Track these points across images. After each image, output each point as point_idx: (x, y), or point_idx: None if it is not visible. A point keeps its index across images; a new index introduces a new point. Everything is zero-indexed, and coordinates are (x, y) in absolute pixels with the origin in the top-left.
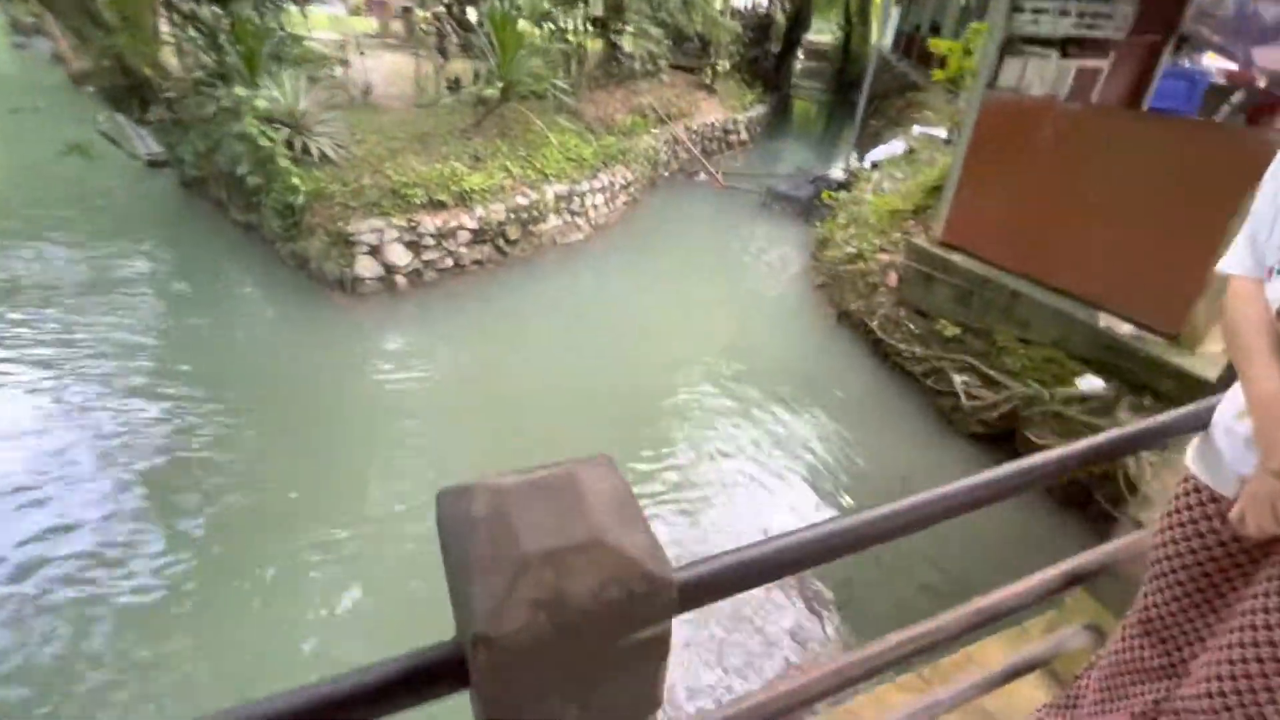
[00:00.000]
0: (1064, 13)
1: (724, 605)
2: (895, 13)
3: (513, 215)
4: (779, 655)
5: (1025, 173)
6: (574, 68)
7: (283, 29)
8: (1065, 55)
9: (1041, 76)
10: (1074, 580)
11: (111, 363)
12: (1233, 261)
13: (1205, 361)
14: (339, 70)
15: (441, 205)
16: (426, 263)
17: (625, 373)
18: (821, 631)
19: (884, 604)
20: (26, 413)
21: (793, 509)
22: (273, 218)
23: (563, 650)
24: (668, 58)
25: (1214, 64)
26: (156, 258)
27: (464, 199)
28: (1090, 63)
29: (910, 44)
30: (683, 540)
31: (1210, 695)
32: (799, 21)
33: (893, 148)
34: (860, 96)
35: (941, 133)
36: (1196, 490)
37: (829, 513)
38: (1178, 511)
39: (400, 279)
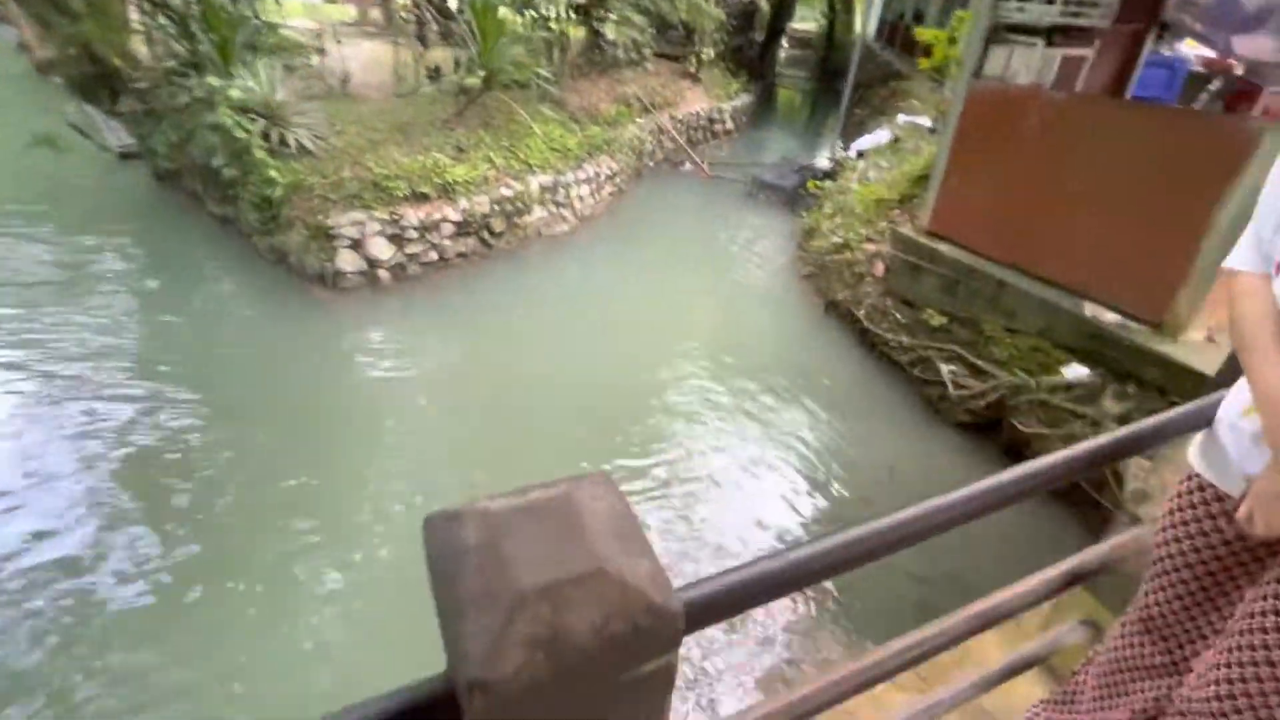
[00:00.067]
0: (1050, 0)
1: None
2: (879, 0)
3: (497, 207)
4: (774, 652)
5: (1011, 162)
6: (557, 56)
7: (257, 16)
8: (1051, 44)
9: (1027, 65)
10: (1074, 580)
11: (85, 364)
12: (1238, 258)
13: (1188, 349)
14: (316, 59)
15: (424, 197)
16: (410, 256)
17: (613, 365)
18: (812, 619)
19: (876, 594)
20: None
21: (784, 499)
22: (250, 211)
23: (563, 690)
24: (652, 46)
25: (1192, 51)
26: (131, 253)
27: (447, 191)
28: (1075, 51)
29: (894, 32)
30: (676, 534)
31: (1219, 699)
32: (783, 9)
33: (878, 137)
34: (845, 85)
35: (926, 121)
36: (1201, 489)
37: (820, 503)
38: (1181, 510)
39: (383, 273)
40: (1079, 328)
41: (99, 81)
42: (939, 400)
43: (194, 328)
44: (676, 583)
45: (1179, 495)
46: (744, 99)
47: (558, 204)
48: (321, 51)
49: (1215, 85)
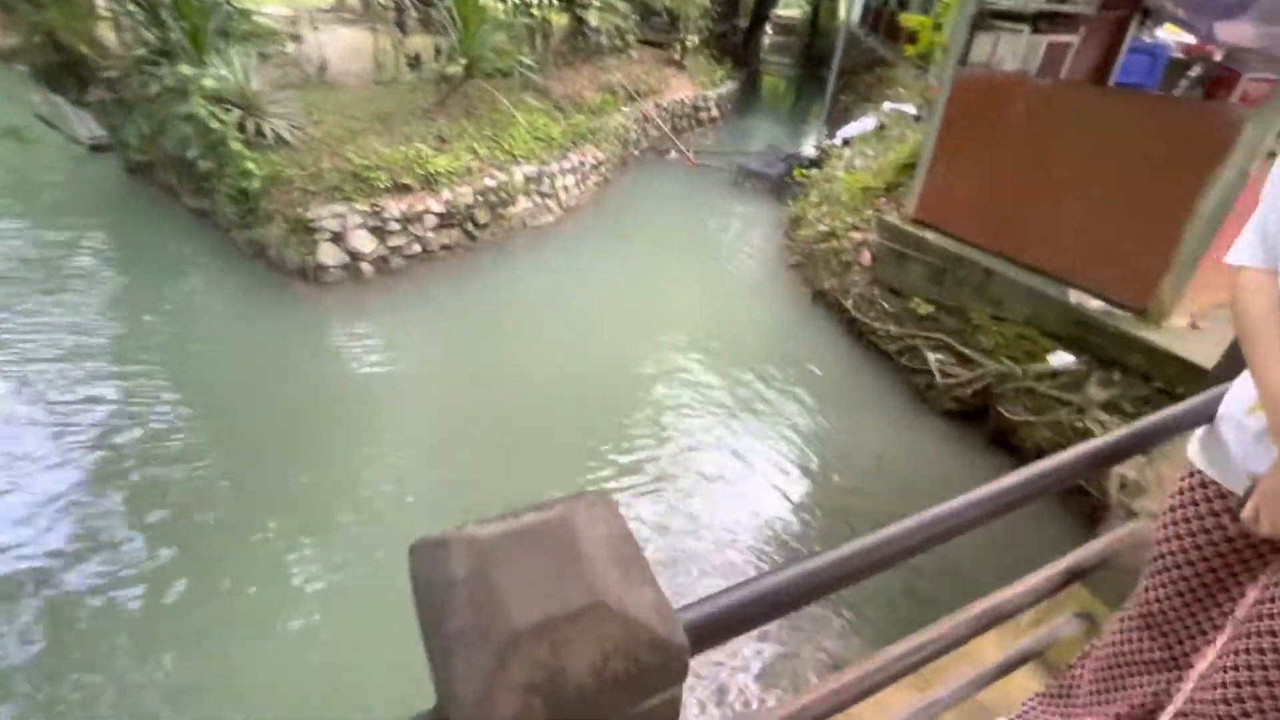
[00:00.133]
0: None
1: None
2: None
3: (481, 198)
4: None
5: (997, 150)
6: (539, 44)
7: (229, 3)
8: (1036, 30)
9: (1013, 52)
10: (1074, 577)
11: (58, 365)
12: (1243, 253)
13: (1171, 335)
14: (291, 47)
15: (406, 189)
16: (393, 249)
17: (601, 356)
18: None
19: (866, 581)
20: None
21: (774, 488)
22: (227, 204)
23: None
24: (635, 33)
25: (1172, 37)
26: (104, 248)
27: (429, 182)
28: (1060, 38)
29: (878, 18)
30: (669, 530)
31: (1227, 701)
32: None
33: (863, 124)
34: (829, 72)
35: (911, 109)
36: (1203, 485)
37: (810, 493)
38: (1183, 507)
39: (366, 266)
40: (1065, 315)
41: (66, 70)
42: (926, 389)
43: (171, 325)
44: (671, 582)
45: (1180, 492)
46: (729, 86)
47: (543, 194)
48: (297, 39)
49: (1195, 71)
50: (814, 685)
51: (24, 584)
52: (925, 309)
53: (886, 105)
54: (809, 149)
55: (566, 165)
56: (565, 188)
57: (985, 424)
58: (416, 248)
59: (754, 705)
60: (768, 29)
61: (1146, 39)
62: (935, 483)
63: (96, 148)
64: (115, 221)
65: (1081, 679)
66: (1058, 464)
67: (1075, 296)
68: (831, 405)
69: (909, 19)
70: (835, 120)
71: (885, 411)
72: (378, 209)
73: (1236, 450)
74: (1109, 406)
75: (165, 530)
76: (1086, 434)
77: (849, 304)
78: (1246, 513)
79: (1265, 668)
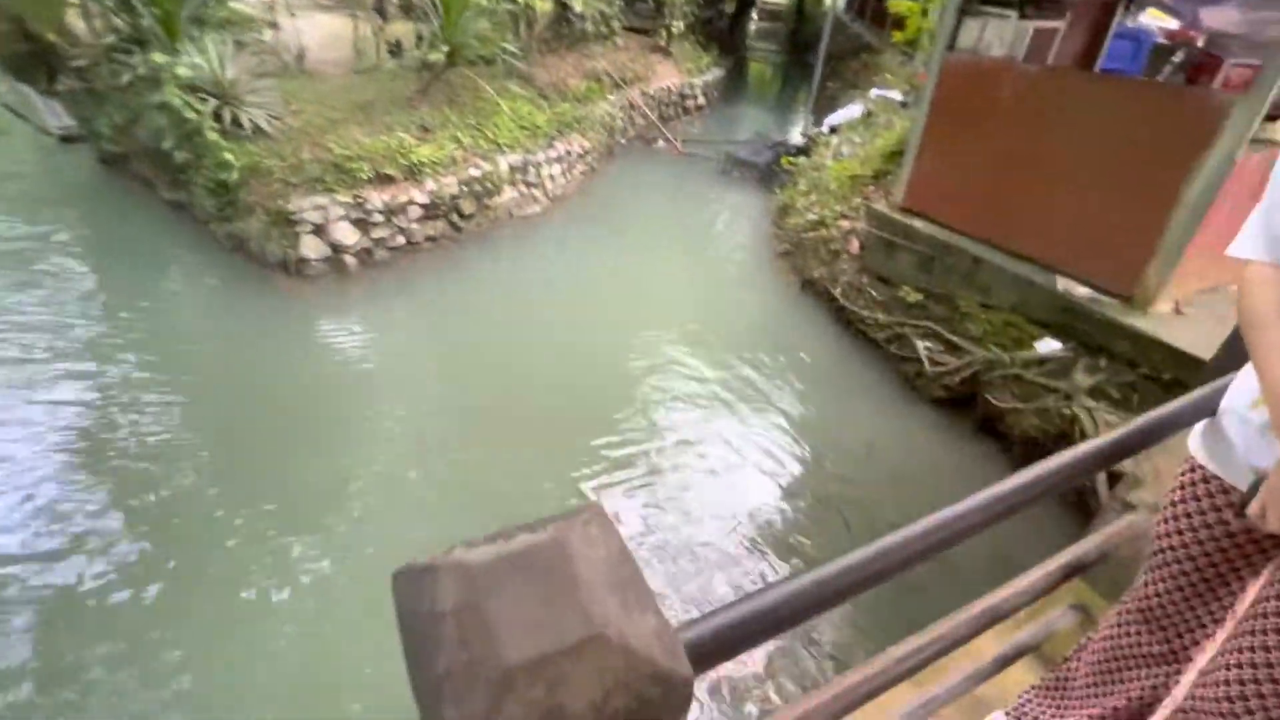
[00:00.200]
0: None
1: (694, 580)
2: None
3: (466, 188)
4: None
5: (985, 136)
6: (523, 30)
7: None
8: (1024, 15)
9: (1000, 37)
10: (1073, 572)
11: (31, 367)
12: (1248, 246)
13: (1156, 321)
14: (268, 34)
15: (389, 179)
16: (376, 241)
17: (590, 347)
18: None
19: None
20: None
21: (766, 477)
22: (205, 196)
23: None
24: (620, 19)
25: (1156, 23)
26: (78, 242)
27: (413, 172)
28: (1048, 23)
29: (864, 4)
30: (662, 522)
31: (1230, 699)
32: None
33: (850, 111)
34: (815, 59)
35: (898, 95)
36: (1205, 480)
37: (801, 483)
38: (1184, 501)
39: (349, 259)
40: (1052, 302)
41: (34, 59)
42: (915, 377)
43: (149, 321)
44: (665, 576)
45: (1181, 487)
46: (715, 73)
47: (529, 184)
48: (274, 26)
49: (1179, 57)
50: (815, 690)
51: (6, 585)
52: (914, 297)
53: (873, 92)
54: (796, 137)
55: (552, 154)
56: (551, 177)
57: (973, 411)
58: (401, 239)
59: (740, 690)
60: (753, 15)
61: (1130, 24)
62: (925, 471)
63: (67, 138)
64: (89, 214)
65: (1078, 671)
66: (1061, 464)
67: (1062, 284)
68: (821, 393)
69: (896, 4)
70: (822, 107)
71: (875, 400)
72: (360, 200)
73: (1239, 444)
74: (1095, 393)
75: (152, 530)
76: (1074, 421)
77: (838, 292)
78: (1253, 509)
79: (1270, 665)
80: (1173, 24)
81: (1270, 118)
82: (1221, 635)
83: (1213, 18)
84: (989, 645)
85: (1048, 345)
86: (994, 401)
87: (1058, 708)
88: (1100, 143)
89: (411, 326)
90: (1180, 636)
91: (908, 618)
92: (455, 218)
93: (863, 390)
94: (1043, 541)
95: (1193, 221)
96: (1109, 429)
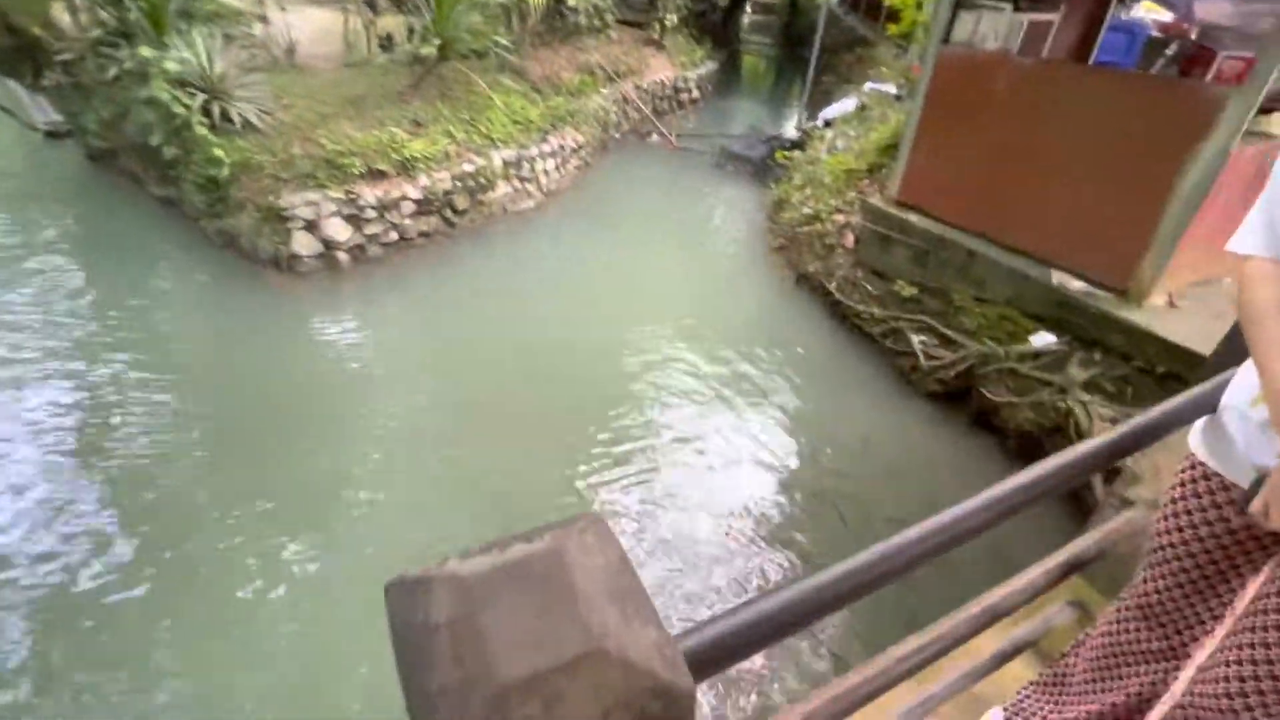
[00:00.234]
0: None
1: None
2: None
3: (459, 183)
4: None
5: (979, 130)
6: (516, 23)
7: None
8: (1018, 8)
9: (995, 30)
10: (1072, 569)
11: (19, 367)
12: (1249, 241)
13: (1150, 314)
14: (258, 28)
15: (382, 175)
16: (369, 237)
17: (585, 342)
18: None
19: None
20: None
21: (763, 472)
22: (195, 192)
23: None
24: (614, 12)
25: (1149, 15)
26: (66, 240)
27: (406, 167)
28: (1042, 16)
29: None
30: (657, 517)
31: (1229, 695)
32: None
33: (845, 105)
34: (809, 52)
35: (892, 89)
36: (1205, 477)
37: (797, 477)
38: (1184, 499)
39: (341, 255)
40: (1047, 296)
41: (19, 54)
42: (910, 371)
43: (140, 319)
44: (661, 571)
45: (1181, 484)
46: (709, 67)
47: (522, 179)
48: (264, 19)
49: (1172, 50)
50: (816, 691)
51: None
52: (909, 291)
53: (868, 85)
54: (791, 130)
55: (546, 149)
56: (545, 172)
57: (968, 406)
58: (394, 235)
59: (742, 686)
60: (747, 8)
61: (1124, 17)
62: (921, 466)
63: (53, 134)
64: (77, 211)
65: (1075, 667)
66: (1062, 464)
67: (1057, 277)
68: (817, 388)
69: None
70: (816, 101)
71: (870, 394)
72: (352, 196)
73: (1240, 441)
74: (1090, 386)
75: (144, 531)
76: (1068, 414)
77: (833, 287)
78: (1255, 506)
79: (1271, 661)
80: (1166, 17)
81: (1264, 110)
82: (1221, 631)
83: (1206, 10)
84: (987, 642)
85: (1042, 339)
86: (989, 395)
87: (1056, 704)
88: (1095, 136)
89: (405, 323)
90: (1180, 633)
91: (906, 610)
92: (449, 213)
93: (858, 385)
94: (1037, 536)
95: (1187, 214)
96: (1103, 422)
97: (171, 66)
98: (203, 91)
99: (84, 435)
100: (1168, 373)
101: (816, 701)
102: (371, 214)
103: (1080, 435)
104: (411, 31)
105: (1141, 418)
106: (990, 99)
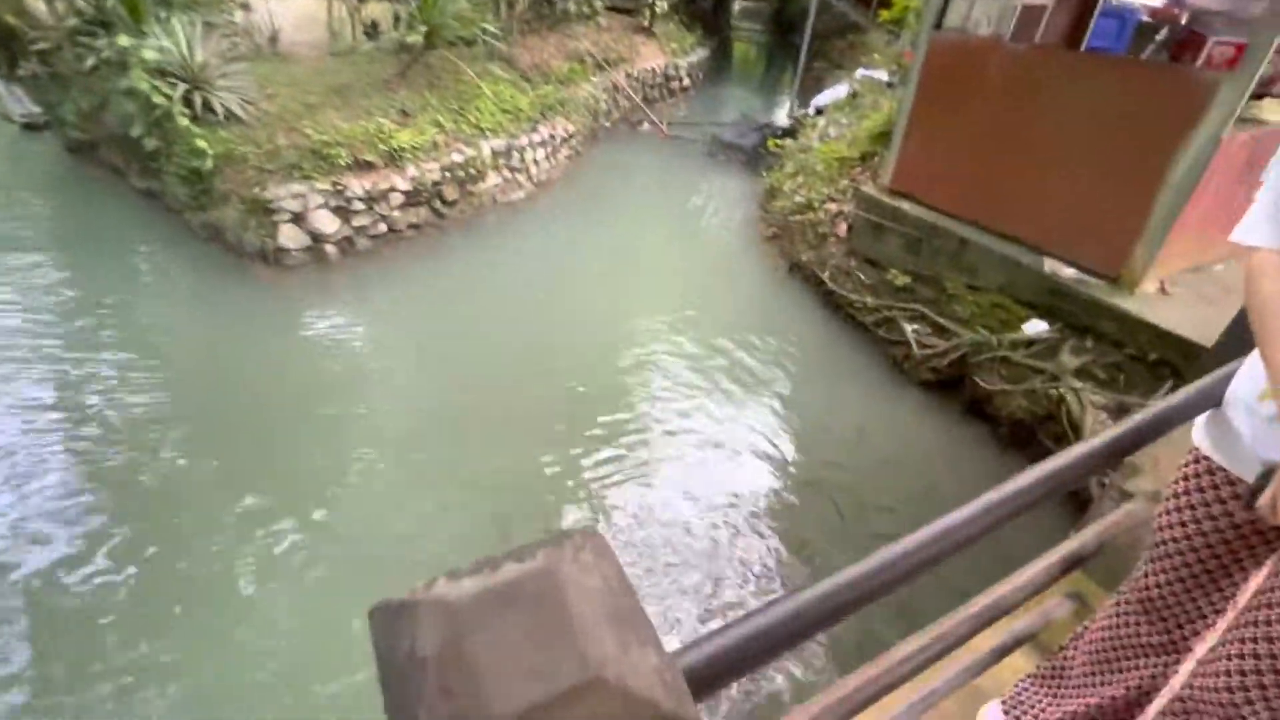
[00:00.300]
0: None
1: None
2: None
3: (448, 174)
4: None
5: (972, 116)
6: (503, 10)
7: None
8: None
9: (988, 15)
10: (1073, 564)
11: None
12: (1254, 233)
13: (1141, 301)
14: (239, 15)
15: (369, 165)
16: (358, 229)
17: (577, 334)
18: (783, 582)
19: (845, 554)
20: None
21: (757, 465)
22: (177, 185)
23: None
24: None
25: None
26: (46, 235)
27: (393, 158)
28: (1036, 0)
29: None
30: (653, 512)
31: (1230, 690)
32: None
33: (836, 92)
34: (801, 39)
35: (884, 75)
36: (1210, 472)
37: (791, 469)
38: (1188, 493)
39: (330, 248)
40: (1039, 283)
41: None
42: (903, 360)
43: (125, 315)
44: (656, 567)
45: (1185, 478)
46: (700, 54)
47: (512, 169)
48: (245, 6)
49: (1162, 35)
50: (820, 695)
51: None
52: (902, 280)
53: (859, 72)
54: (782, 118)
55: (536, 138)
56: (535, 162)
57: (961, 394)
58: (382, 227)
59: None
60: None
61: (1115, 2)
62: (915, 455)
63: (31, 126)
64: (57, 205)
65: (1074, 660)
66: (1066, 462)
67: (1049, 265)
68: (811, 378)
69: None
70: (808, 88)
71: (864, 383)
72: (340, 188)
73: (1247, 435)
74: (1082, 373)
75: (136, 531)
76: (1060, 401)
77: (825, 276)
78: (1264, 500)
79: (1274, 655)
80: (1157, 2)
81: (1255, 96)
82: (1222, 625)
83: None
84: (986, 636)
85: (1035, 326)
86: (982, 383)
87: (1054, 696)
88: (1088, 122)
89: (396, 316)
90: (1180, 627)
91: (895, 599)
92: (438, 204)
93: (852, 374)
94: (1033, 523)
95: (1179, 201)
96: (1095, 410)
97: (151, 55)
98: (183, 81)
99: (68, 434)
100: (1160, 360)
101: (822, 704)
102: (359, 206)
103: (1072, 423)
104: (398, 18)
105: (1144, 414)
106: (983, 85)
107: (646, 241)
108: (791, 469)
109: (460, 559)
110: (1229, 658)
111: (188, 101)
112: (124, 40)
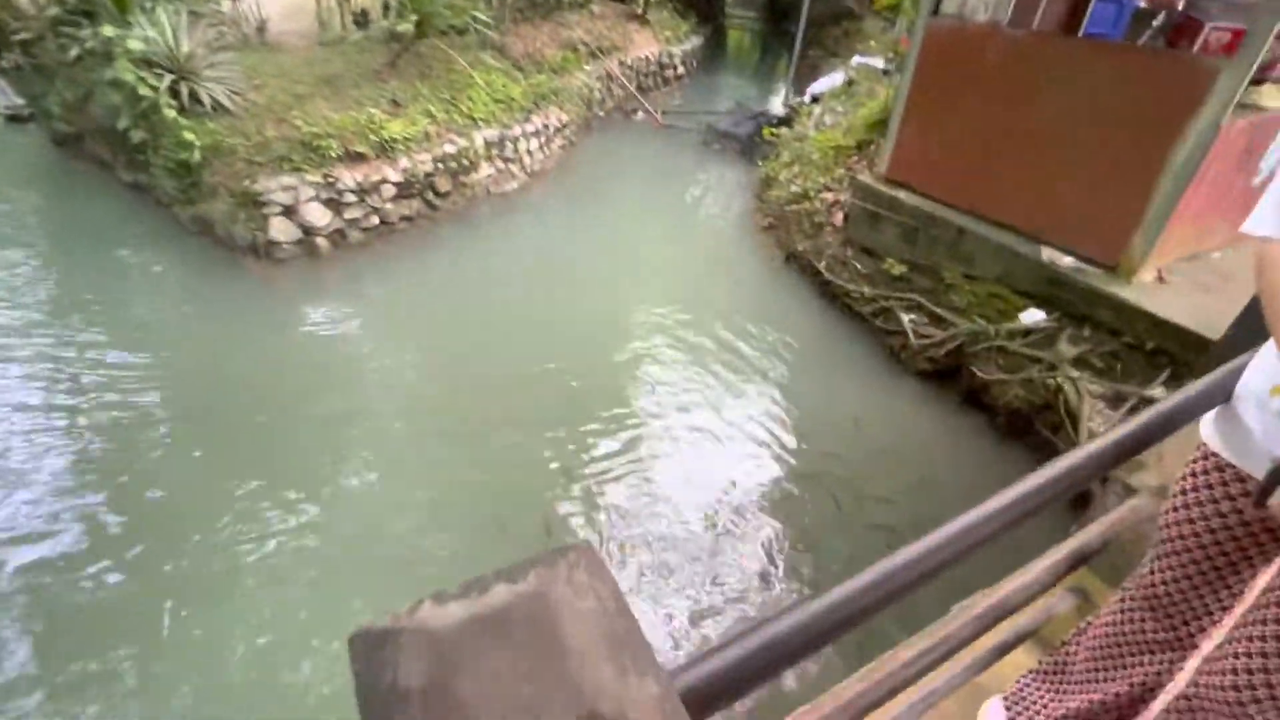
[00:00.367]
0: None
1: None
2: None
3: (440, 165)
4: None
5: (969, 104)
6: None
7: None
8: None
9: (985, 1)
10: (1078, 562)
11: None
12: (1266, 224)
13: (1139, 290)
14: (226, 4)
15: (360, 157)
16: (350, 222)
17: (571, 328)
18: (783, 576)
19: (843, 546)
20: None
21: (754, 456)
22: (165, 177)
23: None
24: None
25: None
26: (32, 229)
27: (385, 149)
28: None
29: None
30: (651, 507)
31: (1237, 688)
32: None
33: (832, 79)
34: (796, 26)
35: (880, 63)
36: (1219, 469)
37: (788, 460)
38: (1196, 490)
39: (321, 241)
40: (1036, 272)
41: None
42: (900, 350)
43: (114, 312)
44: (653, 561)
45: (1193, 475)
46: (694, 41)
47: (506, 160)
48: None
49: (1159, 21)
50: (826, 698)
51: None
52: (898, 269)
53: (855, 59)
54: (778, 107)
55: (529, 128)
56: (529, 152)
57: (958, 384)
58: (375, 220)
59: None
60: None
61: None
62: (912, 446)
63: (15, 118)
64: (43, 199)
65: (1077, 656)
66: (1073, 464)
67: (1047, 254)
68: (807, 369)
69: None
70: (803, 76)
71: (861, 374)
72: (331, 180)
73: (1258, 431)
74: (1079, 362)
75: (127, 531)
76: (1058, 391)
77: (822, 266)
78: (1276, 498)
79: None
80: None
81: (1255, 81)
82: (1229, 622)
83: None
84: (987, 632)
85: (1032, 316)
86: (979, 373)
87: (1056, 692)
88: (1086, 109)
89: (389, 310)
90: (1186, 624)
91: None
92: (431, 196)
93: (848, 365)
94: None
95: (1178, 188)
96: (1093, 399)
97: (136, 46)
98: (170, 72)
99: (50, 433)
100: (1157, 348)
101: (826, 708)
102: (351, 198)
103: (1070, 412)
104: (387, 7)
105: (1152, 411)
106: (980, 72)
107: (642, 232)
108: (789, 459)
109: (460, 558)
110: (1236, 656)
111: (174, 92)
112: (108, 30)
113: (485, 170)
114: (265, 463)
